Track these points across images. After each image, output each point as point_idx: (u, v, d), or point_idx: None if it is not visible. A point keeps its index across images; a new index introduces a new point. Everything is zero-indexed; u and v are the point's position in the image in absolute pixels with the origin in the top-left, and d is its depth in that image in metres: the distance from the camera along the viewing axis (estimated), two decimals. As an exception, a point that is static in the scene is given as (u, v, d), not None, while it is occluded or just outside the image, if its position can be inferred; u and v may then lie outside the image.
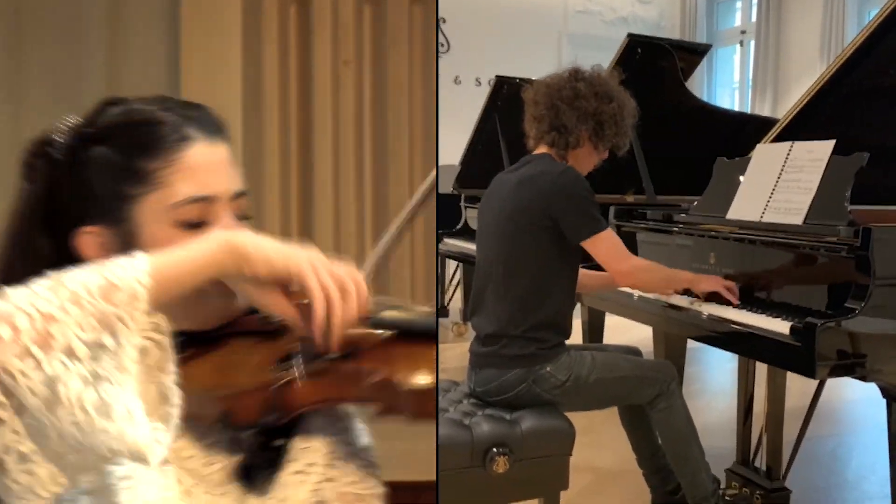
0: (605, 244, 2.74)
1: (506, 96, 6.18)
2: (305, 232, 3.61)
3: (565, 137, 2.83)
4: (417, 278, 3.70)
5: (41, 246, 1.25)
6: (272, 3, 3.74)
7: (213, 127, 1.29)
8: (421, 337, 1.20)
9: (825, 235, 2.54)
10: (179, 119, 1.26)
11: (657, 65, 4.86)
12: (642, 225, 3.49)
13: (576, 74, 2.88)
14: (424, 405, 1.14)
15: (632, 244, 3.47)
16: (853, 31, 10.73)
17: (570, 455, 2.65)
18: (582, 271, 3.04)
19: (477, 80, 10.99)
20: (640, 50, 4.76)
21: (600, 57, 4.80)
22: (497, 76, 6.44)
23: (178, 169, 1.23)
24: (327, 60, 3.88)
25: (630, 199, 4.99)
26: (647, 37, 5.17)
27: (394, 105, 3.96)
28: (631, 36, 4.79)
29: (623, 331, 4.73)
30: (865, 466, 3.98)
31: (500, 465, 2.52)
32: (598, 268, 2.91)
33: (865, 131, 3.31)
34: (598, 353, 2.86)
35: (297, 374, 1.18)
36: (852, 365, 2.37)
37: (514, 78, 6.10)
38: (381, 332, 1.21)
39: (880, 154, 2.71)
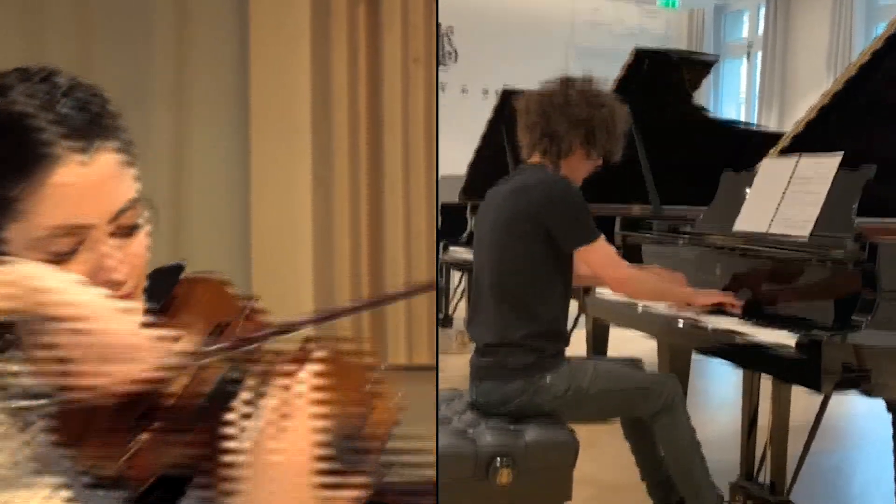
0: (598, 253, 2.75)
1: (513, 107, 6.17)
2: (375, 231, 3.61)
3: (557, 144, 2.84)
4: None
5: None
6: (340, 3, 3.75)
7: (90, 130, 1.06)
8: None
9: (832, 248, 2.53)
10: (46, 123, 1.03)
11: (664, 77, 4.86)
12: (648, 236, 3.48)
13: (567, 82, 2.91)
14: None
15: (637, 255, 3.46)
16: (860, 44, 10.75)
17: (574, 467, 2.64)
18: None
19: (484, 90, 11.02)
20: (647, 62, 4.76)
21: (607, 68, 4.81)
22: (504, 86, 6.45)
23: (41, 197, 1.02)
24: (397, 59, 3.89)
25: (636, 209, 4.99)
26: (654, 48, 5.16)
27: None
28: (638, 47, 4.79)
29: (627, 342, 4.71)
30: (870, 482, 3.97)
31: (504, 476, 2.51)
32: None
33: (873, 145, 3.30)
34: (601, 364, 2.86)
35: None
36: (858, 379, 2.35)
37: (521, 88, 6.10)
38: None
39: (888, 168, 2.70)
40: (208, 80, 3.39)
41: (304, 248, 3.53)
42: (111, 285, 1.06)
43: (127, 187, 1.09)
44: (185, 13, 3.38)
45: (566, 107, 2.83)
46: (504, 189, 2.87)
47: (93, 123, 1.06)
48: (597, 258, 2.76)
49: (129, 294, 1.09)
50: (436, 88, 3.74)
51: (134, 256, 1.10)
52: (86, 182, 1.04)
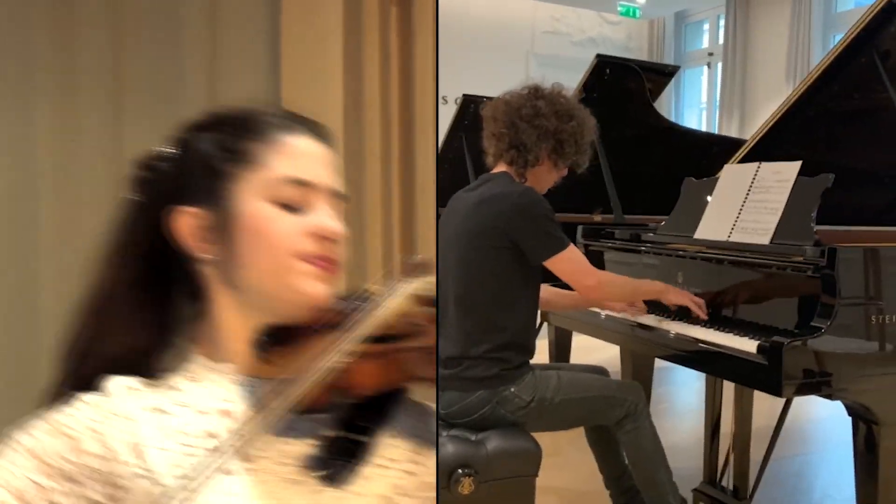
0: (569, 262, 2.73)
1: (473, 115, 6.18)
2: (407, 235, 3.59)
3: (525, 156, 2.82)
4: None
5: (141, 237, 1.28)
6: (372, 6, 3.71)
7: (320, 131, 1.33)
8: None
9: (792, 255, 2.56)
10: (288, 116, 1.33)
11: (625, 85, 4.89)
12: (610, 244, 3.50)
13: (535, 92, 2.87)
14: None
15: (599, 263, 3.48)
16: (818, 53, 10.87)
17: (537, 476, 2.62)
18: (552, 290, 3.03)
19: (444, 98, 11.01)
20: (608, 70, 4.78)
21: (568, 77, 4.82)
22: (464, 95, 6.46)
23: (278, 150, 1.27)
24: (428, 62, 3.86)
25: (598, 218, 5.01)
26: (615, 57, 5.20)
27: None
28: (599, 56, 4.81)
29: (590, 351, 4.73)
30: (831, 485, 4.00)
31: (466, 486, 2.49)
32: (567, 286, 2.90)
33: (831, 153, 3.34)
34: (564, 374, 2.85)
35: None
36: (818, 383, 2.38)
37: (482, 97, 6.11)
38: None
39: (845, 175, 2.73)
40: (239, 85, 3.35)
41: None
42: (332, 237, 1.26)
43: (341, 182, 1.32)
44: (216, 19, 3.35)
45: (535, 118, 2.80)
46: (469, 199, 2.85)
47: (318, 127, 1.34)
48: (568, 267, 2.74)
49: (334, 264, 1.27)
50: (436, 92, 3.71)
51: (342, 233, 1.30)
52: (314, 152, 1.30)
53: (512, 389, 2.67)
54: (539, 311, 3.85)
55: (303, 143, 1.29)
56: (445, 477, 2.50)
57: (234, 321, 1.27)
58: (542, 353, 4.55)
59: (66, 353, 1.26)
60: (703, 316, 2.81)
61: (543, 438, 2.69)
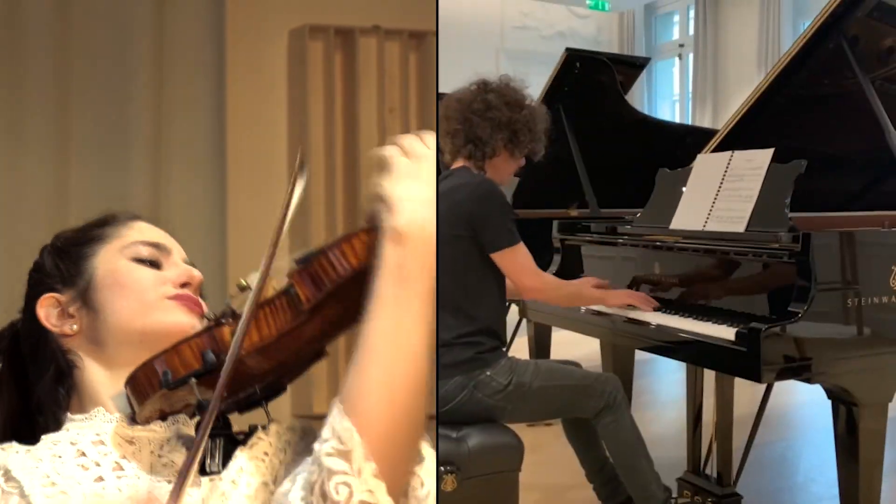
0: (515, 259, 2.75)
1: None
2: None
3: (481, 149, 2.86)
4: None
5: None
6: (317, 52, 3.74)
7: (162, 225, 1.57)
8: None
9: (767, 242, 2.57)
10: (131, 216, 1.55)
11: (596, 79, 4.89)
12: (587, 238, 3.50)
13: (484, 86, 2.92)
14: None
15: (576, 258, 3.48)
16: (789, 41, 10.92)
17: (519, 471, 2.62)
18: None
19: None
20: (578, 64, 4.78)
21: (539, 72, 4.83)
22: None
23: (129, 229, 1.50)
24: (373, 108, 3.88)
25: (573, 213, 5.01)
26: (585, 51, 5.20)
27: (439, 152, 3.96)
28: (569, 50, 4.81)
29: (571, 346, 4.74)
30: (814, 469, 4.02)
31: (448, 483, 2.48)
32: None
33: (803, 139, 3.35)
34: (542, 362, 2.87)
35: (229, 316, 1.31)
36: (797, 368, 2.39)
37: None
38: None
39: (819, 161, 2.74)
40: (185, 126, 3.35)
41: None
42: (190, 281, 1.48)
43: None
44: (163, 60, 3.34)
45: (487, 111, 2.84)
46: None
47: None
48: (513, 265, 2.76)
49: (197, 304, 1.46)
50: (436, 95, 3.72)
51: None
52: (159, 230, 1.54)
53: (488, 373, 2.68)
54: (518, 308, 3.87)
55: (148, 226, 1.53)
56: (428, 474, 2.49)
57: (100, 378, 1.41)
58: (522, 349, 4.57)
59: None
60: (648, 309, 2.87)
61: (525, 435, 2.69)
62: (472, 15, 12.40)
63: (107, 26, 3.25)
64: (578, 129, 4.86)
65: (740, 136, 3.30)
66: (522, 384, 2.71)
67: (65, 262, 1.47)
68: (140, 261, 1.45)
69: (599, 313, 3.09)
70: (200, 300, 1.47)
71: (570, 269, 3.42)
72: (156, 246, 1.48)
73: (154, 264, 1.46)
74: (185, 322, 1.41)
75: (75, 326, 1.43)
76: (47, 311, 1.44)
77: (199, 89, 3.39)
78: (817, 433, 4.57)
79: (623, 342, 3.40)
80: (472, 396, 2.67)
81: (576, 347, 4.58)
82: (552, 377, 2.79)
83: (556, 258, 3.55)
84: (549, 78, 4.78)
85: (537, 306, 3.54)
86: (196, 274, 1.49)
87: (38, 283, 1.48)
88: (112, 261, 1.45)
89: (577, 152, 4.81)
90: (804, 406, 5.09)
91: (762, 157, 2.78)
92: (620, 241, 3.30)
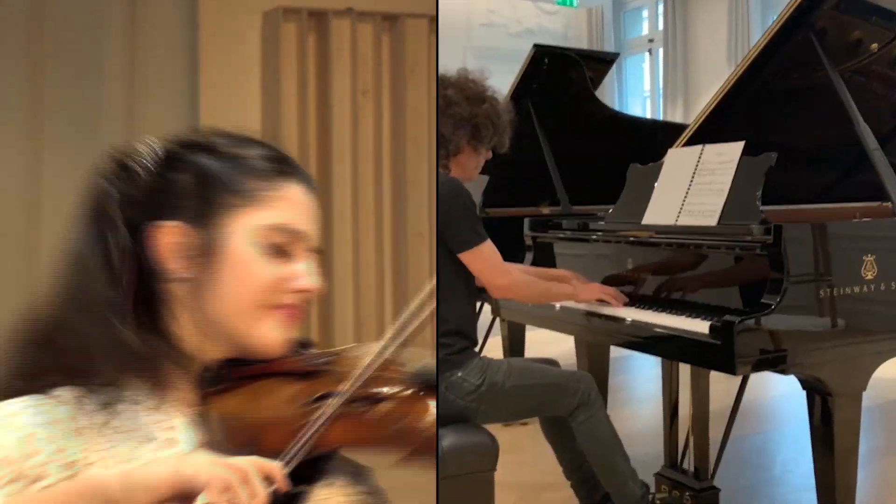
0: (483, 259, 2.74)
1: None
2: (324, 261, 3.62)
3: (445, 146, 2.85)
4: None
5: (110, 238, 1.23)
6: (290, 34, 3.72)
7: (311, 181, 1.34)
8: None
9: (739, 235, 2.57)
10: (287, 160, 1.33)
11: (565, 75, 4.88)
12: (560, 235, 3.49)
13: (443, 82, 2.90)
14: (432, 445, 1.22)
15: (549, 255, 3.47)
16: (758, 36, 10.92)
17: (495, 470, 2.61)
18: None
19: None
20: (547, 60, 4.77)
21: (507, 69, 4.81)
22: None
23: (279, 196, 1.27)
24: (346, 91, 3.86)
25: (545, 211, 5.01)
26: (553, 47, 5.21)
27: (412, 134, 3.96)
28: (537, 46, 4.79)
29: (545, 344, 4.73)
30: (790, 461, 4.03)
31: (423, 484, 2.47)
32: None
33: (773, 132, 3.36)
34: (515, 361, 2.85)
35: (330, 411, 1.19)
36: (772, 359, 2.39)
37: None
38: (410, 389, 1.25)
39: (789, 154, 2.74)
40: (158, 109, 3.33)
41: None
42: (304, 291, 1.29)
43: (318, 233, 1.33)
44: (136, 44, 3.32)
45: (447, 108, 2.82)
46: None
47: (310, 178, 1.35)
48: (481, 265, 2.75)
49: (300, 313, 1.30)
50: (436, 96, 3.71)
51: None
52: (307, 203, 1.31)
53: (459, 374, 2.67)
54: (491, 308, 3.86)
55: (298, 193, 1.30)
56: (402, 476, 2.48)
57: (190, 345, 1.26)
58: (496, 349, 4.56)
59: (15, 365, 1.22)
60: (618, 305, 2.86)
61: (503, 434, 2.68)
62: (439, 12, 12.37)
63: (79, 10, 3.23)
64: (548, 127, 4.84)
65: (711, 131, 3.30)
66: (495, 384, 2.69)
67: (200, 200, 1.25)
68: (267, 250, 1.25)
69: (573, 310, 3.08)
70: (302, 310, 1.31)
71: (543, 267, 3.40)
72: (292, 233, 1.28)
73: (283, 252, 1.27)
74: (278, 342, 1.27)
75: (188, 275, 1.24)
76: (170, 240, 1.23)
77: (172, 70, 3.37)
78: (793, 425, 4.59)
79: (597, 339, 3.40)
80: (444, 399, 2.65)
81: (552, 346, 4.58)
82: (525, 376, 2.78)
83: (529, 256, 3.54)
84: (517, 75, 4.76)
85: (510, 305, 3.52)
86: (317, 285, 1.30)
87: (150, 204, 1.24)
88: (241, 237, 1.25)
89: (547, 149, 4.79)
90: (780, 398, 5.11)
91: (733, 151, 2.78)
92: (593, 237, 3.30)
